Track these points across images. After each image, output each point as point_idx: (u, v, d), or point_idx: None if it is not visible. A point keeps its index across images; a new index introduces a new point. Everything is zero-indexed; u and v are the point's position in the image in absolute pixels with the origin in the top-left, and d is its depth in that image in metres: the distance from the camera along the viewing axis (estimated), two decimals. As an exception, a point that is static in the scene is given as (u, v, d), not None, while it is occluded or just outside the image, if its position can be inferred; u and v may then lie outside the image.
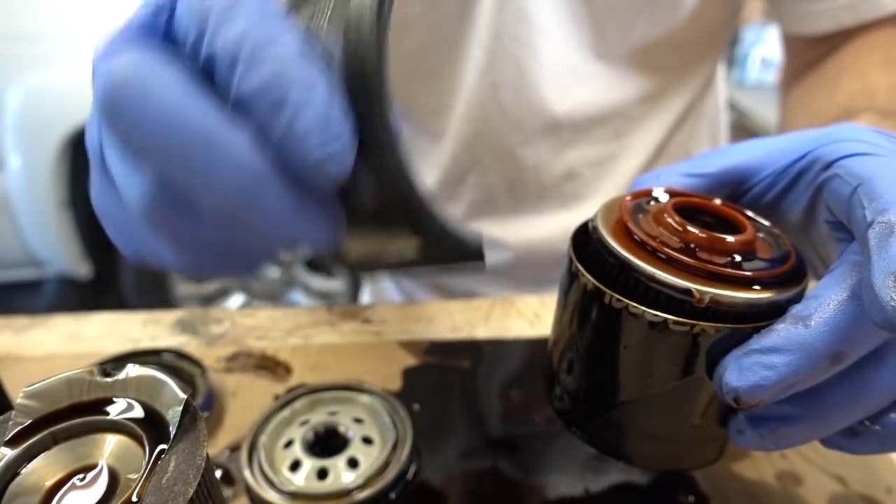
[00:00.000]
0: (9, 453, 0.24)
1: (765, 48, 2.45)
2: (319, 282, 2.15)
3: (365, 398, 0.44)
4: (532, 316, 0.58)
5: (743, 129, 2.30)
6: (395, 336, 0.56)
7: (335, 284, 2.14)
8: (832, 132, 0.30)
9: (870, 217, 0.24)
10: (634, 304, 0.27)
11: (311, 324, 0.58)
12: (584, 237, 0.32)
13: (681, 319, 0.26)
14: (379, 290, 0.87)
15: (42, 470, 0.24)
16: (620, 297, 0.28)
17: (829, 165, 0.28)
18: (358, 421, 0.42)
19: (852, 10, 0.53)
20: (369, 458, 0.39)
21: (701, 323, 0.26)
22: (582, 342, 0.31)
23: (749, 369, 0.25)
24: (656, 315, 0.27)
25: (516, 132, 0.64)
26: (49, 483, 0.23)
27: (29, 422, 0.25)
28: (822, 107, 0.51)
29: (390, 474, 0.38)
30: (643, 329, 0.28)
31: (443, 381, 0.50)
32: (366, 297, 0.93)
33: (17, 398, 0.25)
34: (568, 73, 0.61)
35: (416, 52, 0.63)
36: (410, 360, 0.52)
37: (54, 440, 0.25)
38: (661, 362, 0.28)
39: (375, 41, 0.20)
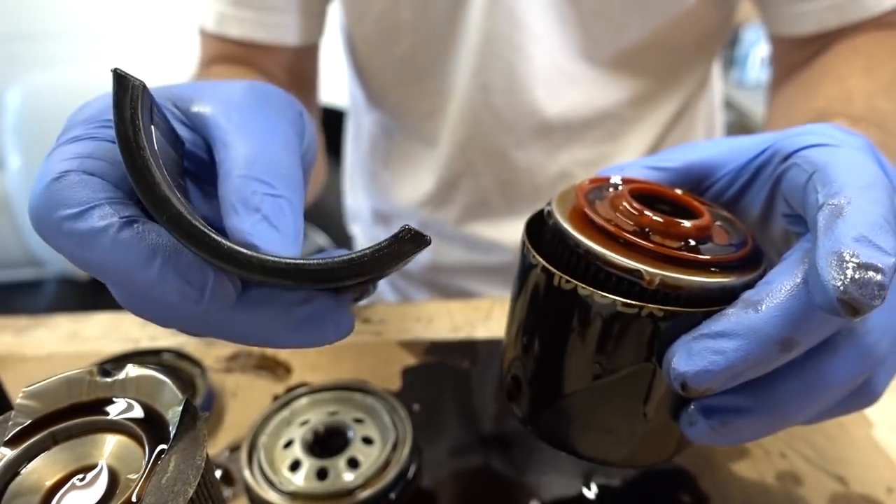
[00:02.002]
0: (9, 453, 0.24)
1: (765, 48, 2.45)
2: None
3: (365, 398, 0.44)
4: (532, 316, 0.58)
5: (743, 129, 2.30)
6: (394, 336, 0.56)
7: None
8: (795, 129, 0.30)
9: (821, 200, 0.24)
10: (583, 286, 0.26)
11: (310, 324, 0.58)
12: (540, 224, 0.31)
13: (630, 301, 0.25)
14: None
15: (42, 470, 0.24)
16: (570, 279, 0.27)
17: (787, 157, 0.28)
18: (358, 421, 0.42)
19: (837, 12, 0.53)
20: (369, 458, 0.39)
21: (650, 305, 0.25)
22: (533, 327, 0.30)
23: (697, 354, 0.24)
24: (605, 296, 0.26)
25: (508, 134, 0.64)
26: (49, 483, 0.23)
27: (29, 422, 0.25)
28: (801, 110, 0.51)
29: (390, 474, 0.38)
30: (592, 312, 0.27)
31: (443, 381, 0.50)
32: None
33: (17, 398, 0.25)
34: (559, 75, 0.61)
35: (408, 55, 0.63)
36: (410, 360, 0.52)
37: (54, 440, 0.25)
38: (611, 348, 0.27)
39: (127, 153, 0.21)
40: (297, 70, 0.65)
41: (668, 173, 0.33)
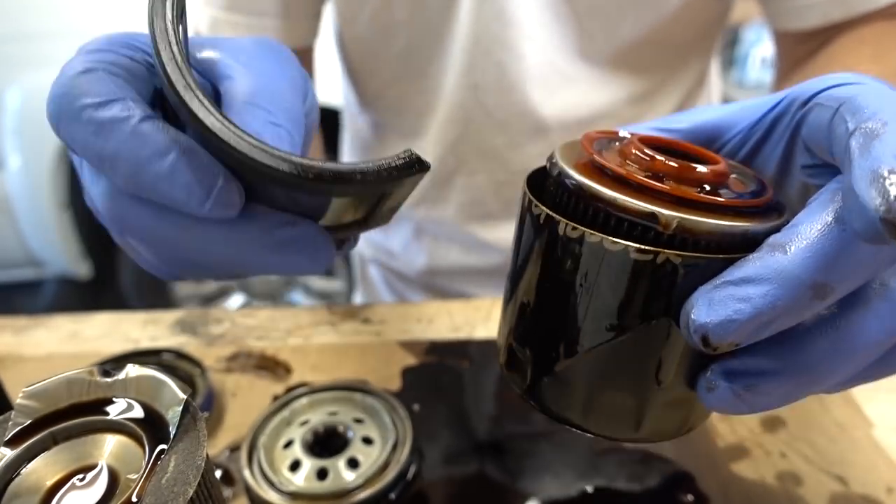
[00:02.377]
0: (9, 453, 0.24)
1: (765, 48, 2.45)
2: (319, 282, 2.15)
3: (365, 398, 0.44)
4: (532, 316, 0.58)
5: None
6: (394, 336, 0.56)
7: (335, 284, 2.14)
8: (811, 80, 0.27)
9: (852, 126, 0.22)
10: (592, 232, 0.24)
11: (310, 324, 0.58)
12: (541, 179, 0.29)
13: (643, 247, 0.23)
14: (371, 291, 0.87)
15: (42, 470, 0.24)
16: (576, 225, 0.24)
17: (807, 101, 0.26)
18: (358, 421, 0.42)
19: (842, 4, 0.53)
20: (369, 458, 0.39)
21: (666, 251, 0.23)
22: (533, 286, 0.27)
23: (720, 303, 0.22)
24: (616, 242, 0.23)
25: (501, 134, 0.63)
26: (49, 483, 0.23)
27: (29, 422, 0.25)
28: None
29: (390, 474, 0.38)
30: (601, 260, 0.24)
31: (443, 382, 0.50)
32: (358, 297, 0.93)
33: (17, 398, 0.25)
34: (554, 74, 0.60)
35: (403, 53, 0.63)
36: (410, 360, 0.52)
37: (54, 440, 0.25)
38: (622, 302, 0.24)
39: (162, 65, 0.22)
40: None
41: (676, 134, 0.31)
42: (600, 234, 0.23)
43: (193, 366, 0.49)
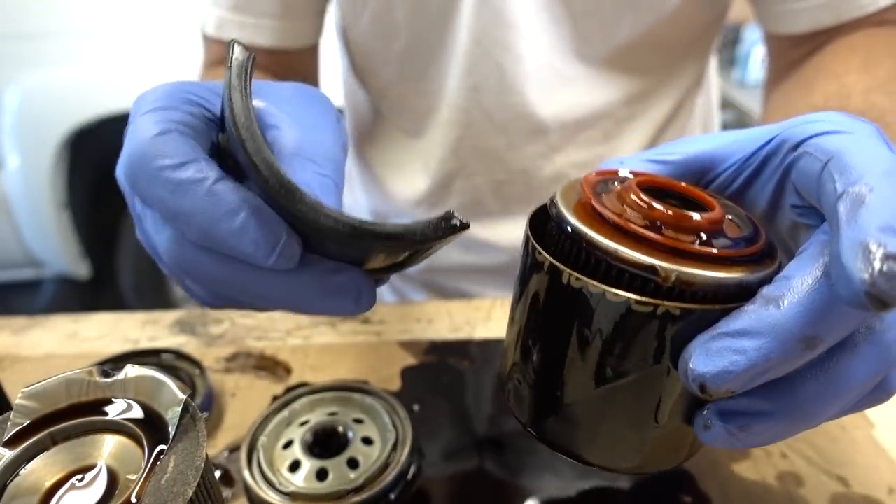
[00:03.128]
0: (8, 454, 0.23)
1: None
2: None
3: (365, 398, 0.44)
4: (532, 316, 0.58)
5: (743, 128, 2.30)
6: (394, 336, 0.56)
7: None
8: (801, 118, 0.28)
9: (840, 188, 0.23)
10: (595, 283, 0.25)
11: (310, 324, 0.58)
12: (543, 218, 0.30)
13: (644, 299, 0.24)
14: None
15: (41, 470, 0.24)
16: (580, 276, 0.25)
17: (797, 146, 0.27)
18: (358, 421, 0.42)
19: (832, 10, 0.53)
20: (369, 458, 0.39)
21: (666, 303, 0.24)
22: (536, 328, 0.29)
23: (717, 354, 0.23)
24: (618, 294, 0.24)
25: (501, 135, 0.64)
26: (48, 483, 0.23)
27: (28, 422, 0.24)
28: (797, 107, 0.50)
29: (390, 474, 0.38)
30: (603, 311, 0.25)
31: (443, 382, 0.50)
32: None
33: (16, 398, 0.25)
34: (552, 76, 0.60)
35: (404, 53, 0.63)
36: (410, 360, 0.52)
37: (53, 441, 0.25)
38: (621, 349, 0.26)
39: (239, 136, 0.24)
40: (299, 71, 0.65)
41: (669, 166, 0.32)
42: (603, 287, 0.25)
43: (193, 366, 0.49)
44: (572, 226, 0.26)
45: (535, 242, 0.28)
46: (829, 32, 0.54)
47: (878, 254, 0.19)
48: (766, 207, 0.30)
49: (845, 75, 0.49)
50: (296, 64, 0.65)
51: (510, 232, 0.69)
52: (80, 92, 1.82)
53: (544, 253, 0.27)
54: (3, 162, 1.92)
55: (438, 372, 0.51)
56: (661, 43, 0.61)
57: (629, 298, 0.24)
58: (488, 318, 0.58)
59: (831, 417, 0.26)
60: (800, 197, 0.28)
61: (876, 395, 0.27)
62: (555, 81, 0.61)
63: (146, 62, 1.82)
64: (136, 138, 0.26)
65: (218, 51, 0.63)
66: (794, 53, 0.58)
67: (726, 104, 2.31)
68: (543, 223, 0.30)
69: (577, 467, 0.41)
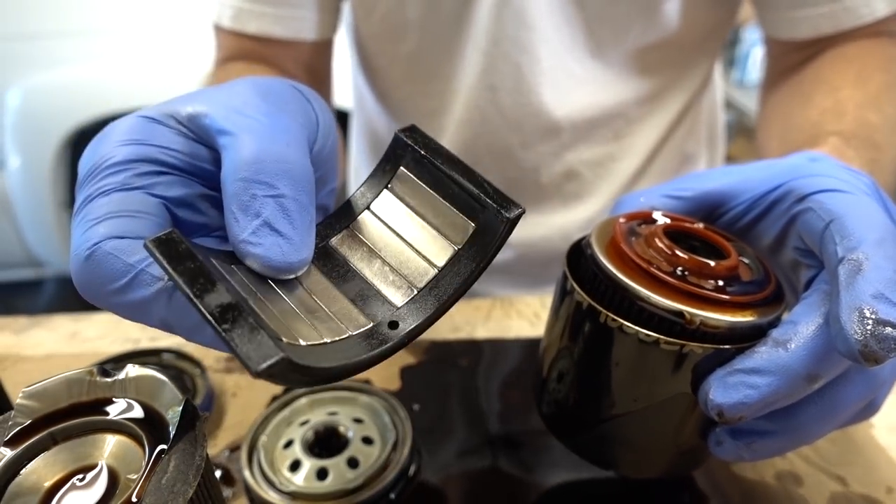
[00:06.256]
0: (8, 453, 0.24)
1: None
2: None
3: (365, 398, 0.44)
4: (532, 316, 0.58)
5: (743, 128, 2.30)
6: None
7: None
8: (803, 166, 0.33)
9: (841, 253, 0.27)
10: (629, 325, 0.29)
11: (310, 324, 0.58)
12: (578, 254, 0.34)
13: (672, 340, 0.28)
14: None
15: (42, 470, 0.24)
16: (616, 317, 0.29)
17: (802, 199, 0.31)
18: (358, 421, 0.42)
19: (832, 19, 0.54)
20: (369, 458, 0.39)
21: (690, 343, 0.28)
22: (574, 356, 0.33)
23: (733, 388, 0.27)
24: (649, 335, 0.29)
25: (515, 134, 0.64)
26: (49, 483, 0.23)
27: (28, 422, 0.25)
28: (796, 121, 0.52)
29: (390, 474, 0.38)
30: (635, 347, 0.29)
31: (443, 381, 0.50)
32: None
33: (17, 398, 0.25)
34: (566, 76, 0.61)
35: (414, 54, 0.63)
36: (410, 360, 0.52)
37: (54, 440, 0.25)
38: (650, 379, 0.30)
39: None
40: (314, 66, 0.65)
41: (684, 202, 0.36)
42: (635, 328, 0.29)
43: (193, 366, 0.49)
44: (607, 270, 0.31)
45: (573, 282, 0.32)
46: (826, 40, 0.56)
47: (870, 319, 0.24)
48: (772, 243, 0.34)
49: (840, 90, 0.51)
50: (311, 59, 0.64)
51: (520, 228, 0.69)
52: (82, 92, 1.82)
53: (582, 293, 0.31)
54: (4, 162, 1.92)
55: (438, 371, 0.51)
56: (673, 44, 0.62)
57: (659, 339, 0.29)
58: (488, 317, 0.58)
59: (826, 433, 0.31)
60: (803, 242, 0.32)
61: (865, 413, 0.32)
62: (569, 82, 0.62)
63: (148, 62, 1.82)
64: (73, 258, 0.24)
65: (234, 44, 0.62)
66: (792, 57, 0.59)
67: (726, 104, 2.31)
68: (578, 257, 0.34)
69: (577, 469, 0.42)
